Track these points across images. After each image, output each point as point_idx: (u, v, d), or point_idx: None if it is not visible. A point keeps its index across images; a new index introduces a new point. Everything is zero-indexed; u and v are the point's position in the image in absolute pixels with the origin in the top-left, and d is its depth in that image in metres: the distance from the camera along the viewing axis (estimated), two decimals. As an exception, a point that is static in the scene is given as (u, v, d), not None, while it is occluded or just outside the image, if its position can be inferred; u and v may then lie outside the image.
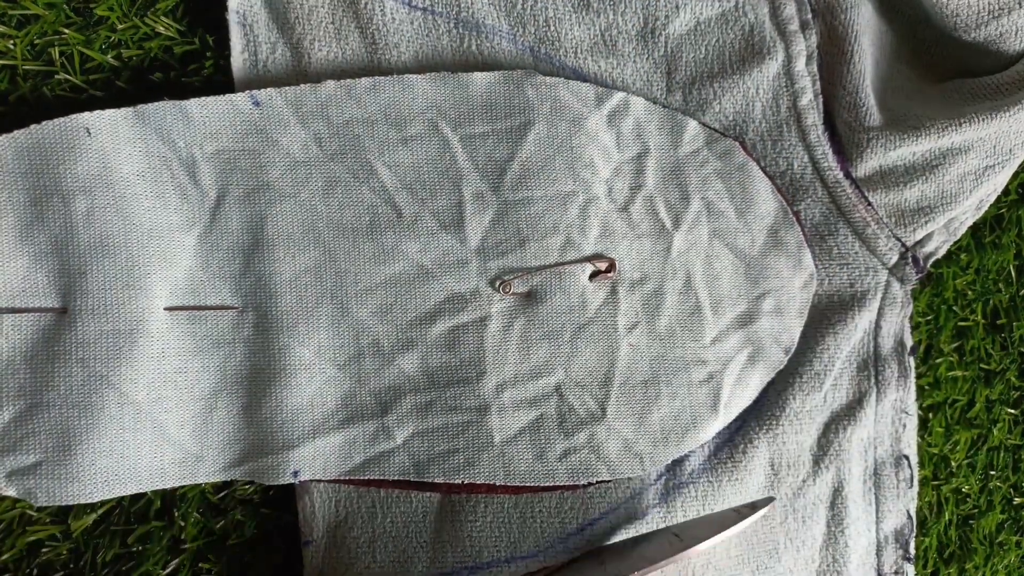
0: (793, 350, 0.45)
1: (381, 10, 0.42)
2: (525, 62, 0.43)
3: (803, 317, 0.45)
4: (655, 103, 0.44)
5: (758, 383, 0.44)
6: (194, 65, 0.43)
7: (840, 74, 0.44)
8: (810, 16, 0.44)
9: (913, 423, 0.47)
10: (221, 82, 0.43)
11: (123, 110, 0.39)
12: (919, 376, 0.50)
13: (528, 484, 0.42)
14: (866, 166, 0.44)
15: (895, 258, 0.46)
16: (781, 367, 0.45)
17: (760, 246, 0.44)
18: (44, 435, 0.38)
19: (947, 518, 0.52)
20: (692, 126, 0.43)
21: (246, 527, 0.44)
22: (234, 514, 0.44)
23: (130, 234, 0.39)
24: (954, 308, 0.51)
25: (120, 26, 0.42)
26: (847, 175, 0.45)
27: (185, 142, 0.40)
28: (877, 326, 0.46)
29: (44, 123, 0.38)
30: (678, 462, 0.45)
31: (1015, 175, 0.50)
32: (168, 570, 0.44)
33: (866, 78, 0.44)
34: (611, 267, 0.43)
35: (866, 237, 0.45)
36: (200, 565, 0.44)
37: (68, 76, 0.41)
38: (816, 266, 0.45)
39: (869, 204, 0.45)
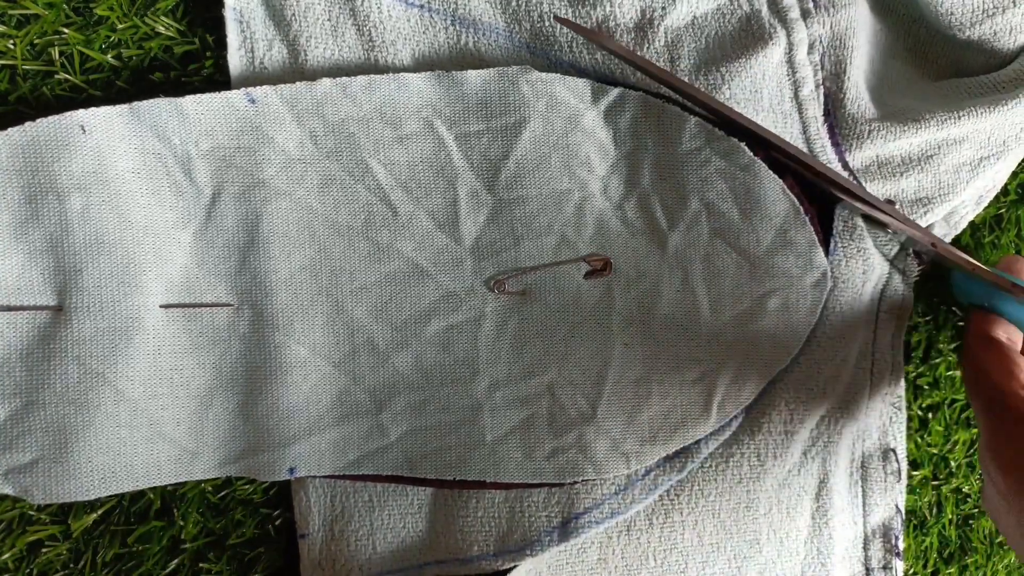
0: (797, 350, 0.44)
1: (378, 8, 0.42)
2: (521, 58, 0.43)
3: (814, 316, 0.43)
4: (657, 96, 0.42)
5: (756, 383, 0.43)
6: (194, 65, 0.43)
7: (843, 65, 0.44)
8: (811, 5, 0.43)
9: (901, 417, 0.47)
10: (221, 82, 0.43)
11: (118, 107, 0.39)
12: (919, 376, 0.50)
13: (516, 482, 0.42)
14: (863, 155, 0.44)
15: (895, 250, 0.45)
16: (782, 367, 0.44)
17: (767, 246, 0.43)
18: (40, 433, 0.39)
19: (947, 518, 0.52)
20: (693, 123, 0.42)
21: (246, 527, 0.44)
22: (234, 514, 0.44)
23: (125, 231, 0.39)
24: (954, 308, 0.51)
25: (120, 26, 0.42)
26: (845, 166, 0.44)
27: (180, 139, 0.40)
28: (877, 317, 0.46)
29: (39, 120, 0.38)
30: (668, 458, 0.44)
31: (1014, 174, 0.50)
32: (168, 570, 0.44)
33: (866, 71, 0.44)
34: (606, 266, 0.43)
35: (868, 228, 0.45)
36: (200, 565, 0.44)
37: (68, 76, 0.41)
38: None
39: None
